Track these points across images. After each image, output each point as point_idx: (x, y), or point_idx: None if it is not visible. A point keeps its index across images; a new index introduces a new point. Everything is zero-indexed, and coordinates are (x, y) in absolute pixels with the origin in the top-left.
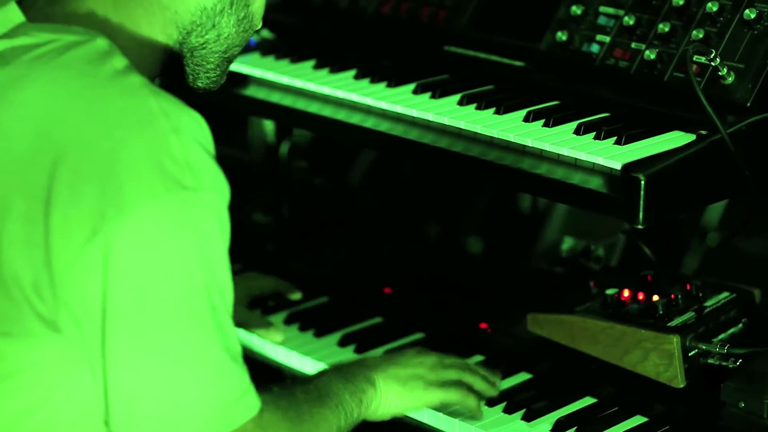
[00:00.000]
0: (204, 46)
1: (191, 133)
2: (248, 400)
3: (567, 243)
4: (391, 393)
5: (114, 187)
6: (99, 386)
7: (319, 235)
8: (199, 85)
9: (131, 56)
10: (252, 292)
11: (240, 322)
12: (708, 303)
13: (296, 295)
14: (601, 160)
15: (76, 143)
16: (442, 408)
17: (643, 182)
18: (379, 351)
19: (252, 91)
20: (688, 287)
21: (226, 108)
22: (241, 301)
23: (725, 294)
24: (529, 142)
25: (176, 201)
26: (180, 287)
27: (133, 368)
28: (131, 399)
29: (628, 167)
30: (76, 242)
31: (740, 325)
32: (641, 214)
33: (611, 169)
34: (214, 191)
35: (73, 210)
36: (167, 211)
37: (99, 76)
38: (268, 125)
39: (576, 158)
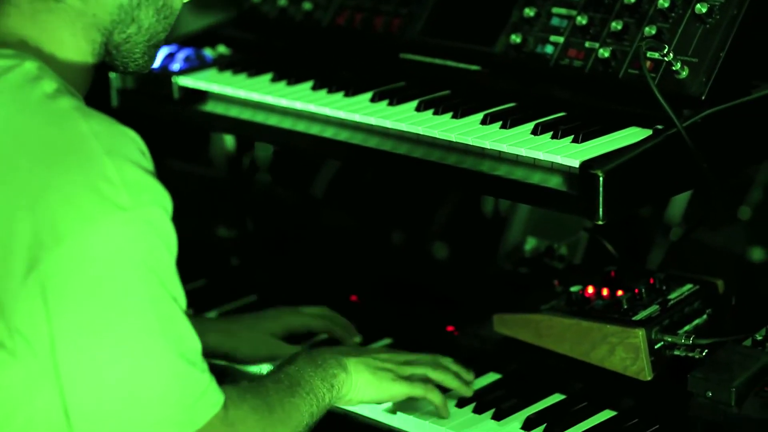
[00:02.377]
0: (127, 40)
1: (124, 153)
2: (209, 398)
3: (530, 243)
4: (362, 379)
5: (50, 216)
6: (59, 406)
7: (284, 247)
8: (131, 71)
9: (61, 70)
10: (291, 328)
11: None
12: (672, 296)
13: (357, 338)
14: (559, 159)
15: (10, 173)
16: (413, 410)
17: (601, 179)
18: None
19: (211, 107)
20: (652, 281)
21: (186, 124)
22: (277, 335)
23: (689, 286)
24: (488, 145)
25: (115, 222)
26: (125, 306)
27: (88, 387)
28: (89, 417)
29: (586, 164)
30: (18, 272)
31: (704, 316)
32: (601, 210)
33: (569, 167)
34: (154, 206)
35: (11, 240)
36: (106, 233)
37: (28, 103)
38: (229, 140)
39: (534, 158)
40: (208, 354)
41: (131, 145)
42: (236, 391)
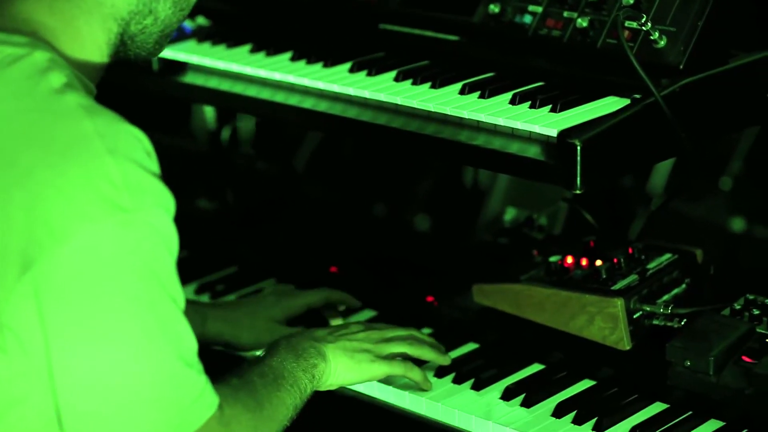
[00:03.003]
0: (143, 31)
1: (128, 153)
2: (206, 399)
3: (510, 214)
4: (340, 365)
5: (49, 215)
6: (51, 406)
7: (265, 219)
8: (141, 60)
9: (74, 60)
10: (291, 311)
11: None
12: (650, 265)
13: (355, 302)
14: (537, 128)
15: (11, 170)
16: (392, 381)
17: (579, 148)
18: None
19: (190, 78)
20: (631, 251)
21: (165, 96)
22: (278, 320)
23: (667, 256)
24: (466, 114)
25: (116, 224)
26: (124, 308)
27: (83, 389)
28: (83, 418)
29: (564, 134)
30: (12, 270)
31: (683, 286)
32: (579, 179)
33: (547, 136)
34: (156, 208)
35: (6, 238)
36: (107, 235)
37: (35, 97)
38: (210, 112)
39: (513, 128)
40: (209, 342)
41: (136, 145)
42: (229, 390)
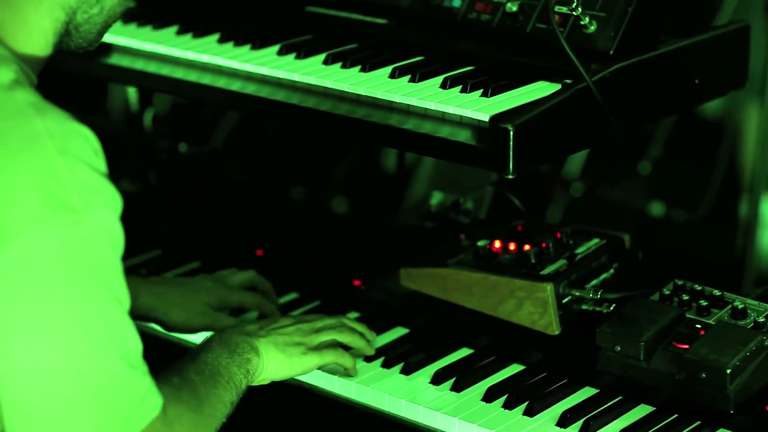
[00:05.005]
0: (88, 20)
1: (77, 153)
2: (150, 400)
3: (436, 197)
4: (272, 359)
5: None
6: None
7: (188, 201)
8: (81, 50)
9: (21, 51)
10: (225, 303)
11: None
12: (579, 250)
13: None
14: (469, 113)
15: None
16: (321, 367)
17: (512, 132)
18: (253, 314)
19: (116, 60)
20: (559, 236)
21: (91, 77)
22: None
23: (595, 241)
24: (397, 98)
25: (64, 224)
26: (70, 308)
27: (26, 387)
28: (27, 416)
29: (496, 118)
30: None
31: (611, 271)
32: (511, 164)
33: (479, 121)
34: (104, 208)
35: None
36: (55, 234)
37: None
38: (125, 92)
39: (443, 112)
40: (140, 317)
41: (85, 144)
42: (171, 390)
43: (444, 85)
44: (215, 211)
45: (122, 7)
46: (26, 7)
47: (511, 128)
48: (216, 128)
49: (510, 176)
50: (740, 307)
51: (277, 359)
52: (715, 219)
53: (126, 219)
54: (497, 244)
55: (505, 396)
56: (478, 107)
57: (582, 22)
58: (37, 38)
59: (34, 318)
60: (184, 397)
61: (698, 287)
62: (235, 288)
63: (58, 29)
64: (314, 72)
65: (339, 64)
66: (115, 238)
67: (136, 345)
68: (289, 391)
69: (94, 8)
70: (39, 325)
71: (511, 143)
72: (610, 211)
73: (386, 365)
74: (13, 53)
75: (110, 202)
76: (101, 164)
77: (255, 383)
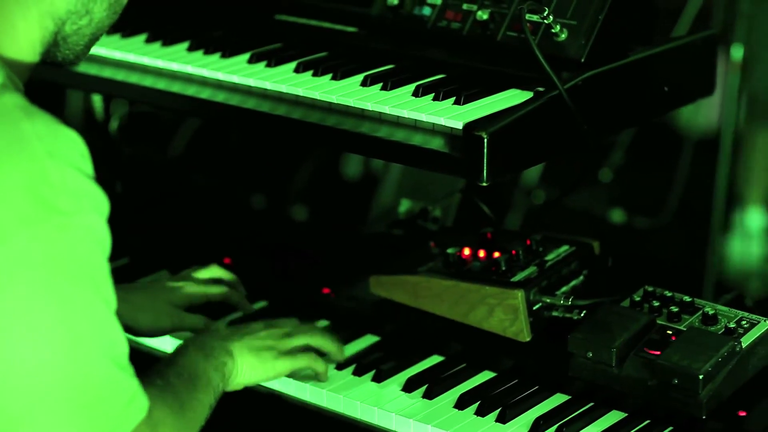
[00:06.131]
0: (77, 32)
1: (66, 156)
2: (137, 402)
3: (404, 205)
4: (246, 364)
5: None
6: None
7: (154, 209)
8: (67, 63)
9: (7, 58)
10: (191, 300)
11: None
12: (549, 257)
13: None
14: (442, 121)
15: None
16: (293, 374)
17: (486, 140)
18: (225, 320)
19: (84, 68)
20: (528, 242)
21: (58, 85)
22: (178, 306)
23: (565, 247)
24: (369, 106)
25: (53, 227)
26: (58, 311)
27: (14, 388)
28: (14, 417)
29: (470, 126)
30: None
31: (581, 277)
32: (485, 171)
33: (452, 128)
34: (92, 212)
35: None
36: (44, 237)
37: None
38: (96, 102)
39: (416, 120)
40: None
41: (73, 148)
42: (156, 393)
43: (416, 93)
44: (181, 218)
45: (111, 20)
46: (15, 14)
47: (485, 135)
48: (175, 135)
49: (484, 184)
50: (711, 313)
51: (250, 363)
52: (678, 226)
53: None
54: (467, 251)
55: (478, 403)
56: (452, 115)
57: (553, 30)
58: (25, 45)
59: (22, 319)
60: (168, 399)
61: (668, 293)
62: (199, 283)
63: (46, 38)
64: (286, 80)
65: (310, 72)
66: (103, 242)
67: (123, 347)
68: (261, 399)
69: (83, 20)
70: (27, 326)
71: (486, 151)
72: (570, 218)
73: (357, 373)
74: (1, 59)
75: (98, 205)
76: (89, 168)
77: (230, 388)
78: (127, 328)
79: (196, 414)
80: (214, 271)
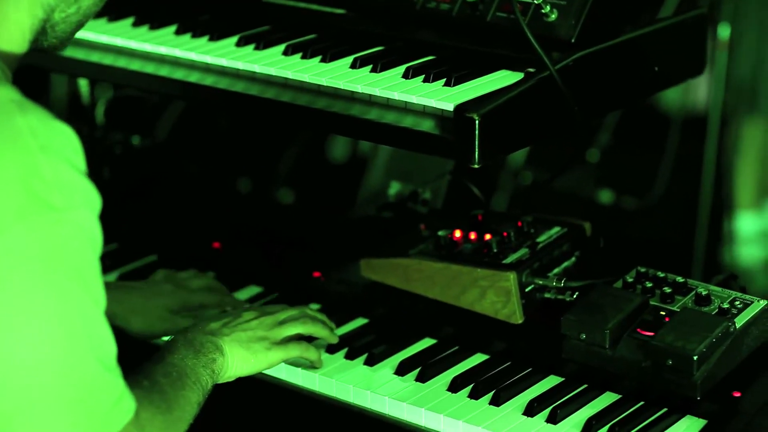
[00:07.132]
0: (65, 19)
1: (60, 151)
2: (124, 404)
3: (394, 188)
4: (237, 357)
5: None
6: None
7: (142, 194)
8: (52, 49)
9: (1, 46)
10: (186, 306)
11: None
12: (540, 239)
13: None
14: (433, 102)
15: None
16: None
17: (477, 121)
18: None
19: (71, 52)
20: (520, 224)
21: (45, 70)
22: (172, 310)
23: (556, 229)
24: (359, 88)
25: (45, 222)
26: (47, 308)
27: (3, 387)
28: (3, 420)
29: (461, 108)
30: None
31: (573, 259)
32: (477, 153)
33: (443, 110)
34: (84, 208)
35: None
36: (36, 232)
37: None
38: (83, 86)
39: (406, 102)
40: None
41: (66, 143)
42: (143, 393)
43: (406, 75)
44: (169, 203)
45: (97, 8)
46: (6, 3)
47: (476, 117)
48: (160, 119)
49: (476, 165)
50: (704, 293)
51: (242, 357)
52: (666, 206)
53: None
54: (458, 233)
55: (471, 386)
56: (442, 96)
57: (543, 11)
58: (15, 35)
59: (11, 316)
60: (155, 400)
61: (661, 274)
62: (195, 290)
63: (36, 26)
64: (274, 63)
65: (299, 55)
66: (94, 238)
67: (111, 347)
68: (253, 384)
69: (72, 7)
70: (16, 323)
71: (477, 132)
72: (558, 199)
73: (350, 356)
74: None
75: (90, 201)
76: (81, 162)
77: (221, 381)
78: (119, 330)
79: (184, 413)
80: (209, 282)
